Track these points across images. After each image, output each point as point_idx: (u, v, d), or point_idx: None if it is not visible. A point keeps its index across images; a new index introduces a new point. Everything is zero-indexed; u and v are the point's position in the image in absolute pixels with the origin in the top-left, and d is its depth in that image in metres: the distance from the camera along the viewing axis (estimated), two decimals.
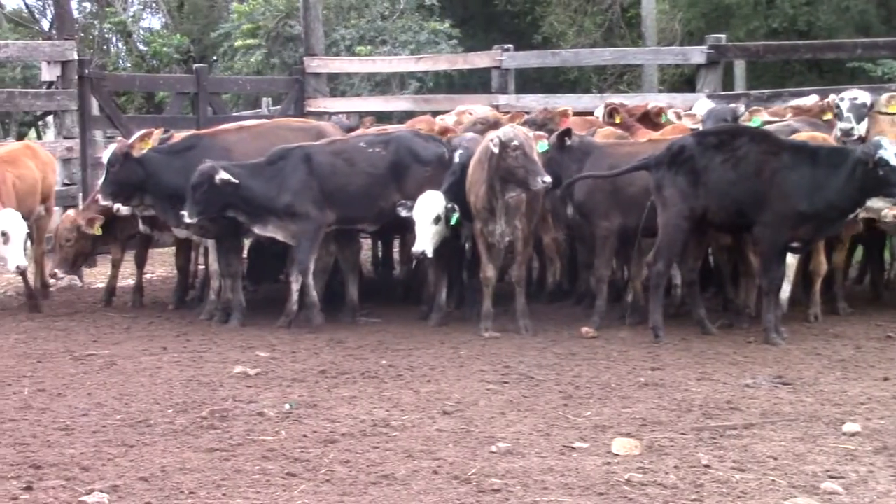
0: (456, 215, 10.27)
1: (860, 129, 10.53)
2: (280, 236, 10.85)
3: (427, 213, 10.30)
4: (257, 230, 10.85)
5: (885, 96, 10.92)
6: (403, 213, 10.43)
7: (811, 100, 12.27)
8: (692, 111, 11.91)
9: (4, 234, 11.07)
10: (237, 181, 10.38)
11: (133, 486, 6.03)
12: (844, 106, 10.64)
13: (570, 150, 10.73)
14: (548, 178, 9.80)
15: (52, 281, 12.86)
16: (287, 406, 7.69)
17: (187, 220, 10.37)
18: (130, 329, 10.85)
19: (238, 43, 24.99)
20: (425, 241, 10.29)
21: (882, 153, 9.25)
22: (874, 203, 9.95)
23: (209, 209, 10.45)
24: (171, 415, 7.50)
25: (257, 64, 24.19)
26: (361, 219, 11.10)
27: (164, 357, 9.43)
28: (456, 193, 10.33)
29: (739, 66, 23.47)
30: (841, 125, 10.61)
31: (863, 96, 10.72)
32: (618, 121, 12.42)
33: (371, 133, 11.80)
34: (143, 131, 11.18)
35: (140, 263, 12.52)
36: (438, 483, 6.09)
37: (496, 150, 9.82)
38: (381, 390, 8.19)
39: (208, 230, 10.94)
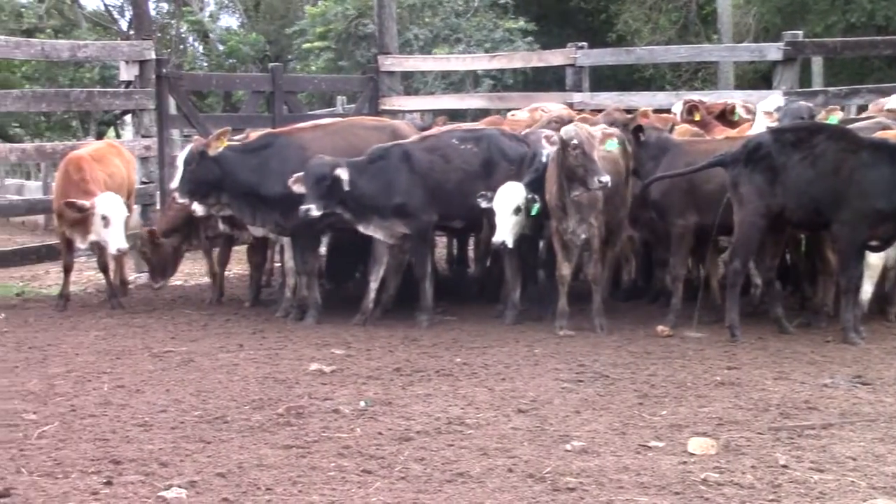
0: (537, 205, 10.24)
1: None
2: (381, 235, 10.85)
3: (507, 203, 10.28)
4: (360, 228, 10.83)
5: None
6: (484, 203, 10.42)
7: None
8: (761, 107, 11.73)
9: (105, 217, 11.28)
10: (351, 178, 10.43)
11: (210, 481, 6.09)
12: None
13: (647, 146, 10.67)
14: (605, 178, 9.70)
15: (130, 279, 13.06)
16: (362, 403, 7.72)
17: (314, 213, 10.29)
18: (207, 326, 10.95)
19: (306, 46, 25.09)
20: (505, 231, 10.26)
21: None
22: None
23: (330, 203, 10.43)
24: (248, 411, 7.56)
25: (321, 70, 24.26)
26: (454, 216, 11.10)
27: (240, 354, 9.50)
28: (535, 190, 10.31)
29: (817, 63, 23.23)
30: None
31: None
32: (697, 118, 12.32)
33: (458, 130, 11.80)
34: (219, 130, 11.27)
35: (223, 263, 12.65)
36: (513, 481, 6.08)
37: (555, 148, 9.88)
38: (456, 388, 8.20)
39: (285, 228, 11.01)
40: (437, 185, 10.84)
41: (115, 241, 11.36)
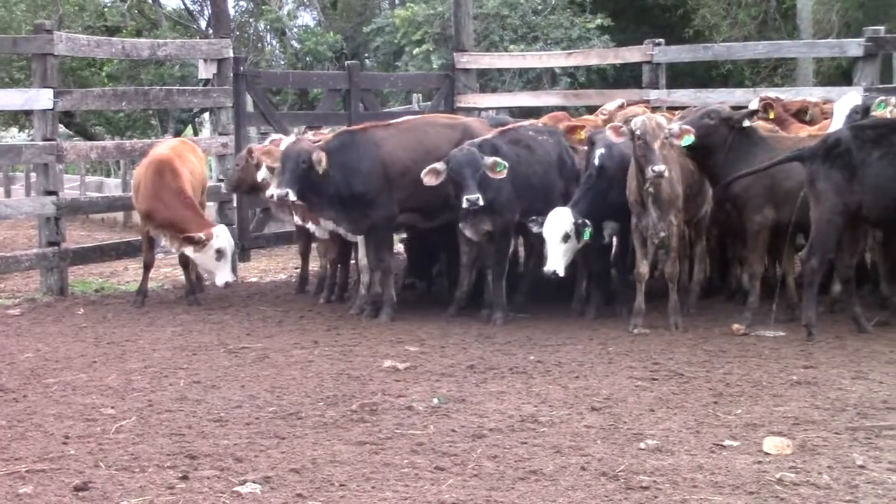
0: (588, 230, 10.19)
1: None
2: (469, 232, 10.83)
3: (556, 231, 10.23)
4: (461, 224, 10.80)
5: None
6: (535, 228, 10.39)
7: None
8: (838, 107, 11.48)
9: (220, 251, 11.47)
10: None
11: (285, 477, 6.14)
12: None
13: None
14: (658, 168, 9.58)
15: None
16: (435, 400, 7.74)
17: (481, 202, 10.18)
18: (282, 323, 11.02)
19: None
20: (556, 260, 10.25)
21: None
22: None
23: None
24: (322, 408, 7.60)
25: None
26: (538, 210, 10.68)
27: (315, 351, 9.56)
28: (592, 200, 10.31)
29: None
30: None
31: None
32: (771, 116, 12.16)
33: (525, 124, 11.78)
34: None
35: (303, 254, 12.85)
36: (586, 479, 6.07)
37: (622, 139, 9.97)
38: (530, 386, 8.19)
39: (358, 225, 11.01)
40: (524, 178, 10.80)
41: (224, 275, 11.66)
